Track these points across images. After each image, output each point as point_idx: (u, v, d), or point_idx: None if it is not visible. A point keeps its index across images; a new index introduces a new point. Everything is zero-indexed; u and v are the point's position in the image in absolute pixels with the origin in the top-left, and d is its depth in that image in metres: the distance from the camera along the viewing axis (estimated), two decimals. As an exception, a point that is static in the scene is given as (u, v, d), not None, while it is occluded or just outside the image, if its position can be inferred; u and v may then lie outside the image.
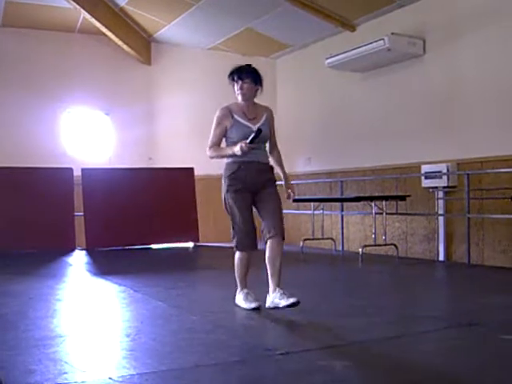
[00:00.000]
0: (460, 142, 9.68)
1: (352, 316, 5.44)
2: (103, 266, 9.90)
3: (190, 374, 3.65)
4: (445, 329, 4.95)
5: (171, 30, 12.71)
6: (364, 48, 10.30)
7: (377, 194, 10.89)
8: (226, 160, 5.87)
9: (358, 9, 11.03)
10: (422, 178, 10.02)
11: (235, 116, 5.78)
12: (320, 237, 11.95)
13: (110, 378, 3.52)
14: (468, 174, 9.15)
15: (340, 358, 3.95)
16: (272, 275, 5.65)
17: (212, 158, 5.89)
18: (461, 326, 4.97)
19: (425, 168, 9.96)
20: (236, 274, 5.91)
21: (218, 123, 5.81)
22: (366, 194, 11.18)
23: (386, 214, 10.16)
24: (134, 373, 3.63)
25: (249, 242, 5.78)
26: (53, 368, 3.73)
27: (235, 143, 5.65)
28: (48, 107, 12.52)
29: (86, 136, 13.19)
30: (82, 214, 11.94)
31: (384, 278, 8.64)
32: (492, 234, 9.15)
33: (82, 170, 12.07)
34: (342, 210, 11.94)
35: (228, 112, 5.81)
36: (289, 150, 13.77)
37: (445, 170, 9.57)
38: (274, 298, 5.52)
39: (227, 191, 5.87)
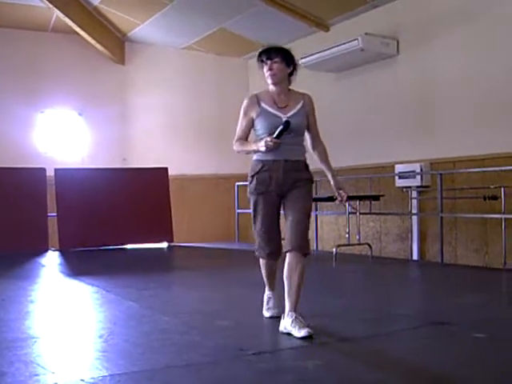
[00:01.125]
0: (433, 142, 9.74)
1: (326, 315, 5.44)
2: (76, 266, 9.86)
3: (162, 375, 3.64)
4: (418, 327, 4.96)
5: (145, 29, 12.68)
6: (338, 48, 10.33)
7: (351, 194, 10.90)
8: (252, 157, 5.14)
9: (331, 9, 11.05)
10: (396, 177, 10.07)
11: (262, 104, 5.04)
12: (294, 237, 11.94)
13: (81, 380, 3.50)
14: (441, 174, 9.19)
15: (312, 357, 3.95)
16: (288, 295, 4.80)
17: (238, 152, 5.16)
18: (434, 325, 4.99)
19: (398, 168, 10.00)
20: (262, 274, 5.38)
21: (244, 113, 5.10)
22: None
23: (360, 213, 10.18)
24: (106, 374, 3.61)
25: (269, 250, 5.07)
26: (24, 370, 3.70)
27: (262, 137, 4.96)
28: (21, 107, 12.43)
29: (59, 136, 13.11)
30: (55, 214, 11.86)
31: (358, 277, 8.66)
32: (465, 234, 9.21)
33: (55, 170, 11.99)
34: (316, 210, 11.95)
35: (255, 100, 5.10)
36: (263, 150, 13.76)
37: (418, 170, 9.62)
38: (286, 324, 4.64)
39: (249, 192, 5.10)
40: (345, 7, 10.84)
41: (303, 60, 11.08)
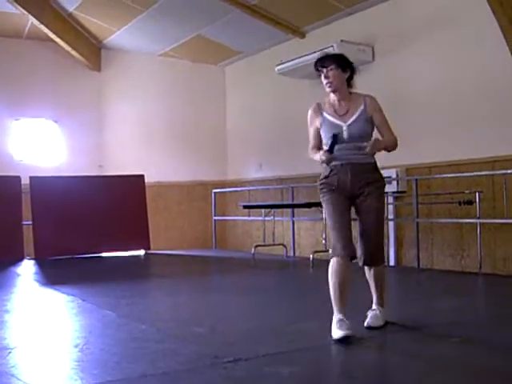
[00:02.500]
0: (408, 147, 9.74)
1: (302, 321, 5.46)
2: (52, 275, 9.80)
3: (137, 384, 3.63)
4: (393, 333, 4.98)
5: (121, 36, 12.65)
6: (313, 55, 10.28)
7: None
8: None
9: (307, 16, 11.09)
10: (372, 183, 10.09)
11: (324, 113, 5.11)
12: (271, 243, 11.97)
13: (56, 390, 3.48)
14: (416, 180, 9.24)
15: (288, 363, 3.95)
16: (374, 291, 5.45)
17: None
18: (408, 330, 5.01)
19: (374, 173, 10.03)
20: (331, 294, 5.14)
21: (310, 123, 5.19)
22: (317, 200, 11.21)
23: (337, 219, 10.19)
24: (81, 384, 3.60)
25: (341, 246, 5.10)
26: (-1, 381, 3.68)
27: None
28: (-5, 114, 12.39)
29: (34, 144, 13.04)
30: (30, 222, 11.79)
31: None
32: (441, 239, 9.25)
33: (31, 178, 11.90)
34: (293, 216, 11.96)
35: (317, 109, 5.17)
36: (239, 157, 13.80)
37: (394, 176, 9.66)
38: (368, 317, 5.13)
39: (320, 196, 5.23)
40: (320, 14, 10.87)
41: (279, 67, 11.12)
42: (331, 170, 5.05)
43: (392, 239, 9.95)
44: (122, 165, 13.10)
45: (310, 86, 11.68)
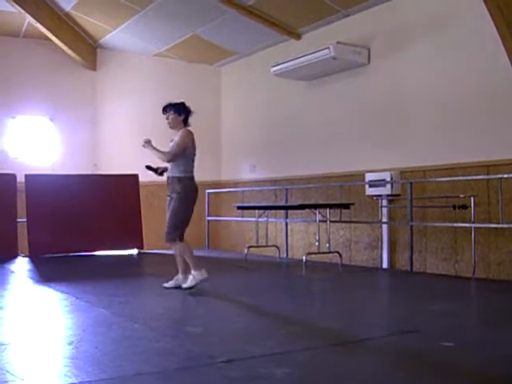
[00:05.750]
0: (403, 150, 9.80)
1: (295, 323, 5.46)
2: (46, 273, 9.78)
3: (132, 382, 3.62)
4: (386, 336, 4.99)
5: (117, 35, 12.66)
6: (309, 56, 10.37)
7: (321, 202, 10.95)
8: None
9: (303, 17, 11.10)
10: (366, 186, 10.11)
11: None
12: (264, 244, 11.98)
13: (50, 387, 3.49)
14: (411, 183, 9.26)
15: (281, 365, 3.96)
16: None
17: None
18: (402, 334, 5.01)
19: (369, 176, 10.05)
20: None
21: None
22: (311, 202, 11.24)
23: (330, 221, 10.22)
24: (76, 381, 3.59)
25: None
26: (-7, 377, 3.68)
27: None
28: (-10, 112, 12.38)
29: (29, 142, 13.03)
30: (24, 220, 11.79)
31: (327, 285, 8.68)
32: (434, 242, 9.26)
33: (26, 175, 11.92)
34: (287, 218, 11.98)
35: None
36: (234, 158, 13.82)
37: (388, 179, 9.66)
38: None
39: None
40: (316, 16, 10.88)
41: (274, 68, 11.13)
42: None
43: (385, 242, 9.96)
44: (116, 164, 13.09)
45: (306, 88, 11.72)
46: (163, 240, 7.65)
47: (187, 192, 7.55)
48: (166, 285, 7.56)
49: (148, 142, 7.56)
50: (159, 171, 7.80)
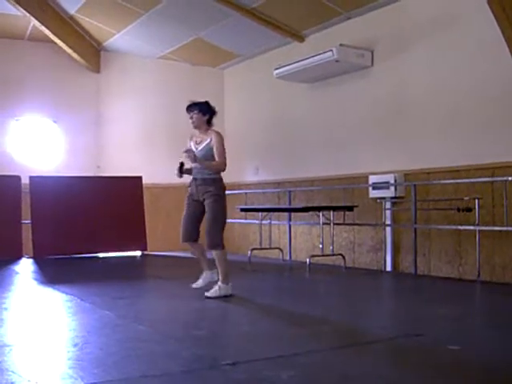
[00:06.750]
0: (407, 152, 9.79)
1: (299, 325, 5.46)
2: (50, 274, 9.80)
3: (137, 385, 3.64)
4: (391, 339, 4.98)
5: (121, 38, 12.67)
6: (312, 59, 10.36)
7: (325, 205, 10.94)
8: None
9: (306, 20, 11.10)
10: (370, 188, 10.10)
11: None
12: (268, 246, 11.97)
13: (56, 389, 3.49)
14: (415, 185, 9.25)
15: (286, 367, 3.96)
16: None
17: None
18: (407, 337, 5.01)
19: (372, 178, 10.04)
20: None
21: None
22: (315, 204, 11.23)
23: (334, 224, 10.21)
24: (82, 383, 3.60)
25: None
26: (0, 377, 3.68)
27: None
28: (-5, 114, 12.40)
29: (34, 144, 13.04)
30: (29, 221, 11.81)
31: (331, 287, 8.67)
32: (438, 245, 9.24)
33: (30, 177, 11.96)
34: (290, 220, 11.98)
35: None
36: (237, 160, 13.80)
37: (392, 181, 9.65)
38: None
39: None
40: (319, 18, 10.88)
41: (277, 71, 11.13)
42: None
43: (389, 245, 9.95)
44: (119, 166, 13.11)
45: (309, 90, 11.72)
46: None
47: (223, 193, 7.46)
48: (194, 285, 7.53)
49: (190, 152, 7.14)
50: (185, 171, 7.27)
